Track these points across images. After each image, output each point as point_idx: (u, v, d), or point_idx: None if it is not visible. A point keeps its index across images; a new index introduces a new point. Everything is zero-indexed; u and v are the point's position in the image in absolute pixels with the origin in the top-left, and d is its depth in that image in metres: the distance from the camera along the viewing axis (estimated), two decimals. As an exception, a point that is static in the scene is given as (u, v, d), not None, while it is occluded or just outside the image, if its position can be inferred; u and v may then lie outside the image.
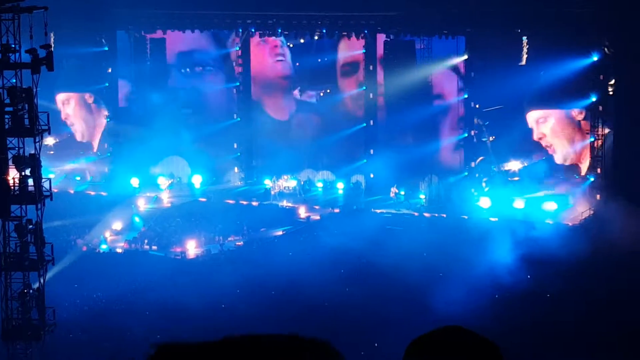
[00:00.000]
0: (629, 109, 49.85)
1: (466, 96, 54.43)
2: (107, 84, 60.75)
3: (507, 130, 53.60)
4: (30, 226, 31.90)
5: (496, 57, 53.11)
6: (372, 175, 56.47)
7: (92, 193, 59.49)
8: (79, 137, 62.40)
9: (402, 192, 55.40)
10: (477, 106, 54.38)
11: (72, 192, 59.07)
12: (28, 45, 31.38)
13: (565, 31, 50.67)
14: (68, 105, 62.00)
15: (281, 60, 58.72)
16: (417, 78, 54.41)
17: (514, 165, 54.28)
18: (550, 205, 52.03)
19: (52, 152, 60.99)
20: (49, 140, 60.89)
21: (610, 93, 51.00)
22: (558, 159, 53.74)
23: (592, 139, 52.09)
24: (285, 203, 56.44)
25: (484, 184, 53.84)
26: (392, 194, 55.31)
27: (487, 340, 4.42)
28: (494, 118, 54.30)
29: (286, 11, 55.36)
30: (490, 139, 54.20)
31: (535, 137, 53.78)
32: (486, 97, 54.16)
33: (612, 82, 50.94)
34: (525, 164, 53.89)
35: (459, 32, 53.30)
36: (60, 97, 61.59)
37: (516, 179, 53.95)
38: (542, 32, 51.57)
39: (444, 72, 54.70)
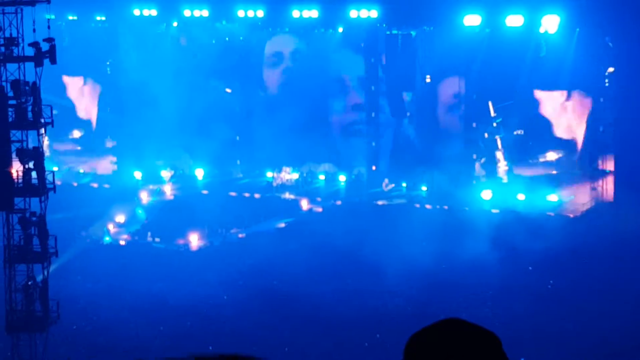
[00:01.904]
0: (631, 100, 49.82)
1: (467, 88, 54.35)
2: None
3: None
4: (34, 219, 32.04)
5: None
6: (374, 168, 56.53)
7: (95, 185, 59.64)
8: (81, 114, 62.57)
9: (404, 184, 55.49)
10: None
11: (75, 184, 59.22)
12: (31, 39, 31.52)
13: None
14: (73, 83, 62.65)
15: None
16: (418, 70, 54.47)
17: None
18: (552, 197, 52.05)
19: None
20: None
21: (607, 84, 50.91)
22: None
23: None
24: (287, 195, 56.52)
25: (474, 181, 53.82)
26: (384, 187, 55.37)
27: (488, 331, 4.47)
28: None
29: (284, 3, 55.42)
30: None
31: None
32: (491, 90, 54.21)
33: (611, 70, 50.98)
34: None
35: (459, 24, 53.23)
36: (66, 79, 62.34)
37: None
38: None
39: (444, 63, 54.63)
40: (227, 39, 58.98)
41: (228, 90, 59.76)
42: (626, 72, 49.92)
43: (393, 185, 55.49)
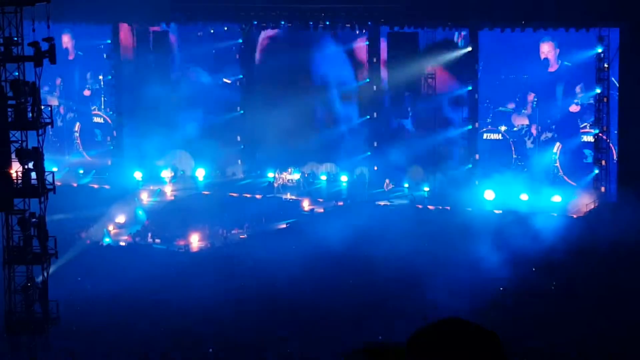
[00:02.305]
0: (634, 100, 49.64)
1: (470, 88, 54.23)
2: (110, 77, 60.92)
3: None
4: (34, 219, 31.84)
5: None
6: (375, 168, 56.42)
7: (96, 186, 59.52)
8: None
9: (406, 185, 55.41)
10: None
11: (75, 185, 59.09)
12: (31, 38, 31.32)
13: (573, 21, 50.54)
14: None
15: None
16: (420, 70, 54.31)
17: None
18: (555, 198, 51.93)
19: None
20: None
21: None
22: None
23: (597, 131, 51.77)
24: (288, 196, 56.38)
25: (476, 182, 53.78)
26: (385, 187, 55.29)
27: (486, 329, 4.52)
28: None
29: (289, 3, 55.23)
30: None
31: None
32: (491, 89, 54.24)
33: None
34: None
35: (463, 24, 53.10)
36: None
37: (557, 164, 53.30)
38: (548, 23, 51.34)
39: (447, 64, 54.48)
40: (226, 28, 58.75)
41: (227, 80, 59.61)
42: (629, 73, 49.80)
43: (393, 185, 55.34)
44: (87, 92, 63.10)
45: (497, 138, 54.89)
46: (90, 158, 62.38)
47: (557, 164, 53.62)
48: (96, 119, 63.31)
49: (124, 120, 60.89)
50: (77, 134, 63.66)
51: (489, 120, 54.91)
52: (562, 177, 53.24)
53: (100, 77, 62.09)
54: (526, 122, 54.20)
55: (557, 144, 53.59)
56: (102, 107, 62.70)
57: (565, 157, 53.38)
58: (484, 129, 54.79)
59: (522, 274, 44.19)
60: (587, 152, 52.57)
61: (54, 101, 60.68)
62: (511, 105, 54.04)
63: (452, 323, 4.52)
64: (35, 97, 31.24)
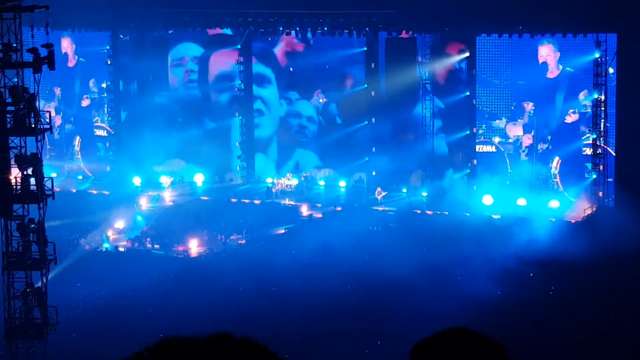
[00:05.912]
0: (631, 105, 49.68)
1: (468, 94, 54.19)
2: (109, 83, 60.81)
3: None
4: (33, 225, 31.89)
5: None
6: (374, 173, 56.45)
7: (95, 192, 59.52)
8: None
9: (404, 190, 55.39)
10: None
11: (74, 191, 59.10)
12: (30, 44, 31.41)
13: (571, 27, 50.50)
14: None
15: None
16: (419, 75, 54.30)
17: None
18: (553, 203, 51.84)
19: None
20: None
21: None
22: None
23: (594, 136, 51.49)
24: (287, 201, 56.42)
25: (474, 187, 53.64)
26: (377, 196, 54.96)
27: (493, 341, 4.42)
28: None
29: (287, 9, 55.31)
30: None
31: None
32: (484, 96, 54.10)
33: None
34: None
35: (460, 29, 53.08)
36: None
37: (557, 180, 52.91)
38: (545, 29, 51.31)
39: (445, 69, 54.47)
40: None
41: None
42: (626, 78, 49.81)
43: (386, 193, 55.09)
44: (85, 102, 62.30)
45: (491, 150, 54.28)
46: (91, 174, 61.76)
47: (557, 180, 52.88)
48: (98, 132, 62.19)
49: (123, 126, 60.77)
50: (77, 149, 62.81)
51: (481, 131, 54.24)
52: (563, 193, 52.47)
53: (104, 85, 61.28)
54: (521, 132, 53.57)
55: (557, 158, 52.69)
56: (106, 117, 61.39)
57: (565, 172, 52.25)
58: (476, 141, 54.17)
59: (520, 280, 44.24)
60: (590, 165, 51.48)
61: (52, 111, 60.21)
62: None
63: (457, 333, 4.38)
64: (33, 103, 31.31)
